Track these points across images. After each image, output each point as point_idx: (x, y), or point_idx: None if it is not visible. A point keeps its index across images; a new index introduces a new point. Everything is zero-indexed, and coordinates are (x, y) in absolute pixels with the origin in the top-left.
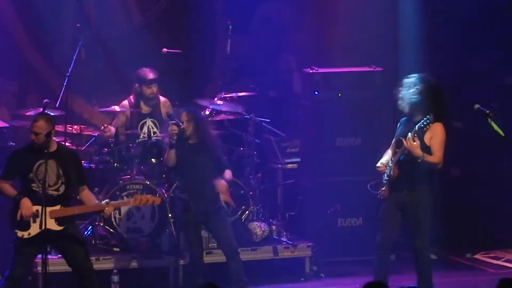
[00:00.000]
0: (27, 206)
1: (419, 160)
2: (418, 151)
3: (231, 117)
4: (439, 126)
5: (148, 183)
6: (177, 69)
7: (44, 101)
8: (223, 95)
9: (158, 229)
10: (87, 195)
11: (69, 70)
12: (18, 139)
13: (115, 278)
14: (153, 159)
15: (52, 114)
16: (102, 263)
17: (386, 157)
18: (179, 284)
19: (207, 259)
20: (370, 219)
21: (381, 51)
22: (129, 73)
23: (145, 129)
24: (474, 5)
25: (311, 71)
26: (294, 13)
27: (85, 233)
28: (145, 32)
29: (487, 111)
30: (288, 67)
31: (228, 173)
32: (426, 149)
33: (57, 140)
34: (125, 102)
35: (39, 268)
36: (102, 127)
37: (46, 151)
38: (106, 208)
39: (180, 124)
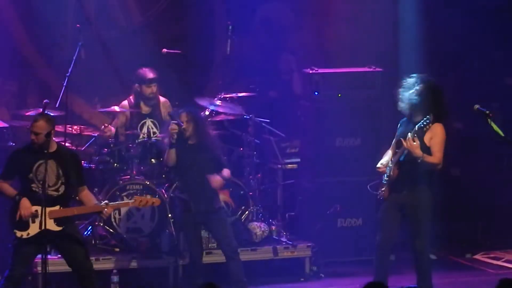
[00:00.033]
0: (26, 207)
1: (419, 161)
2: (418, 151)
3: (231, 117)
4: (439, 126)
5: (148, 183)
6: (177, 69)
7: (44, 101)
8: (223, 95)
9: (158, 229)
10: (87, 196)
11: (69, 70)
12: (18, 139)
13: (115, 278)
14: (153, 159)
15: (52, 114)
16: (102, 263)
17: (386, 158)
18: (179, 284)
19: (207, 259)
20: (370, 219)
21: (381, 51)
22: (129, 73)
23: (144, 130)
24: (474, 5)
25: (311, 71)
26: (294, 13)
27: (85, 233)
28: (145, 32)
29: (487, 112)
30: (288, 67)
31: (226, 171)
32: (426, 149)
33: (57, 140)
34: (125, 102)
35: (39, 268)
36: (103, 126)
37: (46, 151)
38: (105, 209)
39: (181, 124)
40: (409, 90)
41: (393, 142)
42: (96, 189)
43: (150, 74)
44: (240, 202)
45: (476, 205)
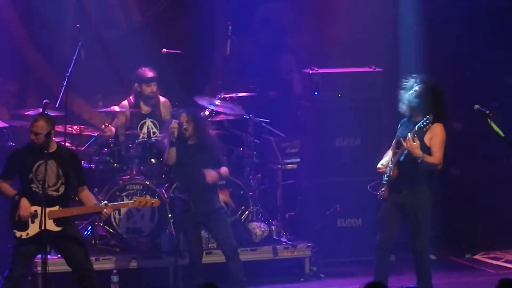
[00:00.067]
0: (25, 207)
1: (419, 161)
2: (418, 152)
3: (230, 117)
4: (439, 126)
5: (147, 183)
6: (177, 69)
7: (44, 101)
8: (223, 95)
9: (158, 229)
10: (87, 196)
11: (69, 70)
12: (18, 139)
13: (115, 278)
14: (152, 159)
15: (52, 114)
16: (101, 263)
17: (387, 158)
18: (179, 285)
19: (207, 259)
20: (370, 219)
21: (381, 51)
22: (129, 73)
23: (144, 130)
24: (474, 5)
25: (310, 72)
26: (294, 13)
27: (85, 233)
28: (145, 32)
29: (487, 112)
30: (288, 67)
31: (223, 169)
32: (426, 149)
33: (57, 140)
34: (125, 102)
35: (39, 268)
36: (103, 126)
37: (46, 151)
38: (105, 210)
39: (183, 124)
40: (408, 92)
41: (393, 142)
42: (96, 189)
43: (149, 73)
44: (240, 202)
45: (476, 205)
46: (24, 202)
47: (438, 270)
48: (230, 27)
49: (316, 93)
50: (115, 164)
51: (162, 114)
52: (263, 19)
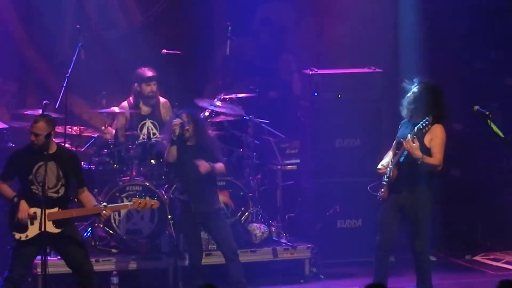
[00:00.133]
0: (23, 209)
1: (419, 162)
2: (418, 153)
3: (230, 118)
4: (439, 127)
5: (147, 184)
6: (177, 70)
7: (44, 102)
8: (222, 96)
9: (158, 231)
10: (87, 197)
11: (69, 70)
12: (18, 140)
13: (115, 280)
14: (152, 160)
15: (51, 115)
16: (101, 265)
17: (387, 159)
18: (179, 286)
19: (207, 260)
20: (370, 220)
21: (381, 51)
22: (129, 73)
23: (144, 130)
24: (474, 5)
25: (310, 72)
26: (294, 13)
27: (85, 234)
28: (145, 32)
29: (487, 112)
30: (288, 67)
31: (219, 164)
32: (426, 150)
33: (56, 141)
34: (125, 103)
35: (39, 270)
36: (103, 127)
37: (45, 152)
38: (104, 211)
39: (186, 125)
40: (407, 94)
41: (393, 143)
42: (95, 190)
43: (149, 73)
44: (239, 203)
45: (476, 205)
46: (23, 204)
47: (438, 271)
48: (229, 28)
49: (315, 93)
50: (115, 165)
51: (162, 115)
52: (263, 19)
